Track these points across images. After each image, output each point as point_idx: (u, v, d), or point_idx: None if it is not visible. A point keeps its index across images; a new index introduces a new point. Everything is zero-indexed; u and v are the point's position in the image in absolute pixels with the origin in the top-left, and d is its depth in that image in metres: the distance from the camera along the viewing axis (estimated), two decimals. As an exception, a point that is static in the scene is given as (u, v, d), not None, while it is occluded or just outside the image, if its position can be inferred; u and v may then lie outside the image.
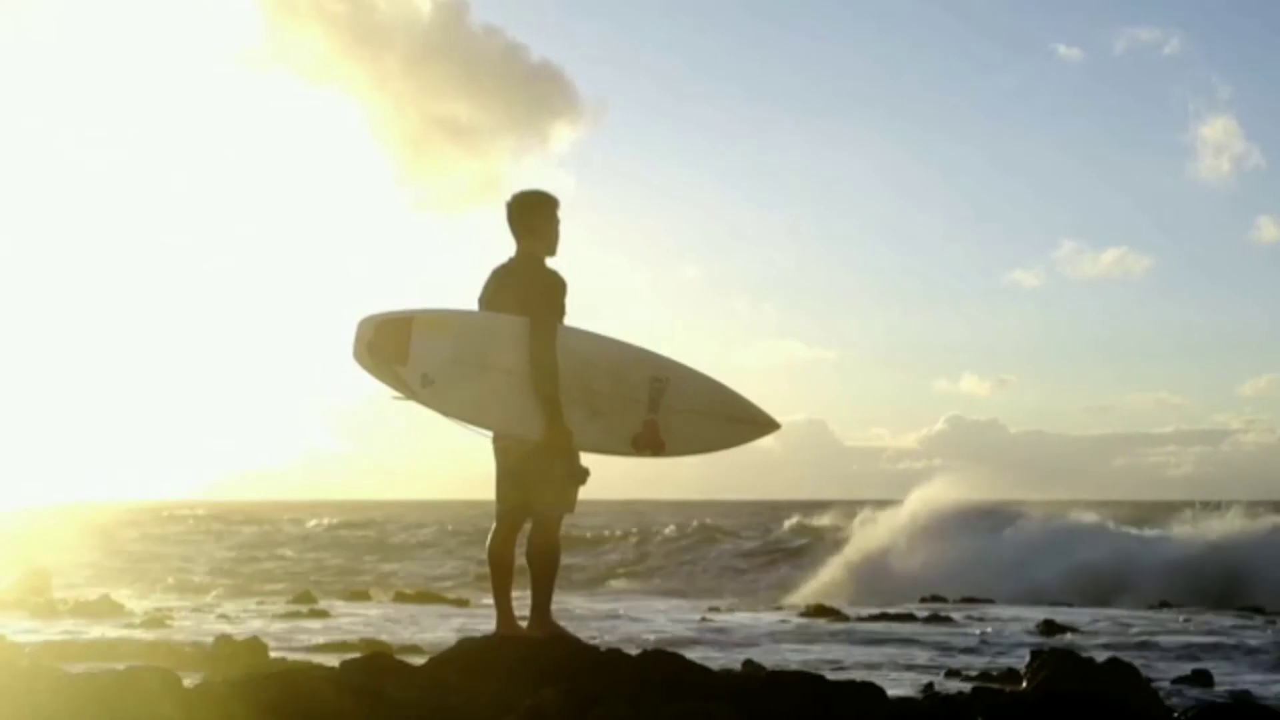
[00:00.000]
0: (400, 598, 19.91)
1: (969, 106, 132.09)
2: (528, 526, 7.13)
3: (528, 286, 7.06)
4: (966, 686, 8.84)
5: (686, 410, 7.05)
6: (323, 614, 16.97)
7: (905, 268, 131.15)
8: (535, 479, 6.97)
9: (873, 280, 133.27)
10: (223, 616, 16.57)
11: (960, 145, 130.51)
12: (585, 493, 7.06)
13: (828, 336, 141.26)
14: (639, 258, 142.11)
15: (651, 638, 14.04)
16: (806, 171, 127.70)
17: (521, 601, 7.09)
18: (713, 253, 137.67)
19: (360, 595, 20.59)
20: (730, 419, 7.15)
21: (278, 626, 15.02)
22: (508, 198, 7.27)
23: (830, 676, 9.24)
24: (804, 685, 6.96)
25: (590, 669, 6.41)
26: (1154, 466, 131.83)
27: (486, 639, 6.97)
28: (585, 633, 14.41)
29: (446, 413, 7.05)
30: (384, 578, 26.57)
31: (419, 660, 7.42)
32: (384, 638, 13.06)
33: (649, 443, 7.05)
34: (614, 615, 17.38)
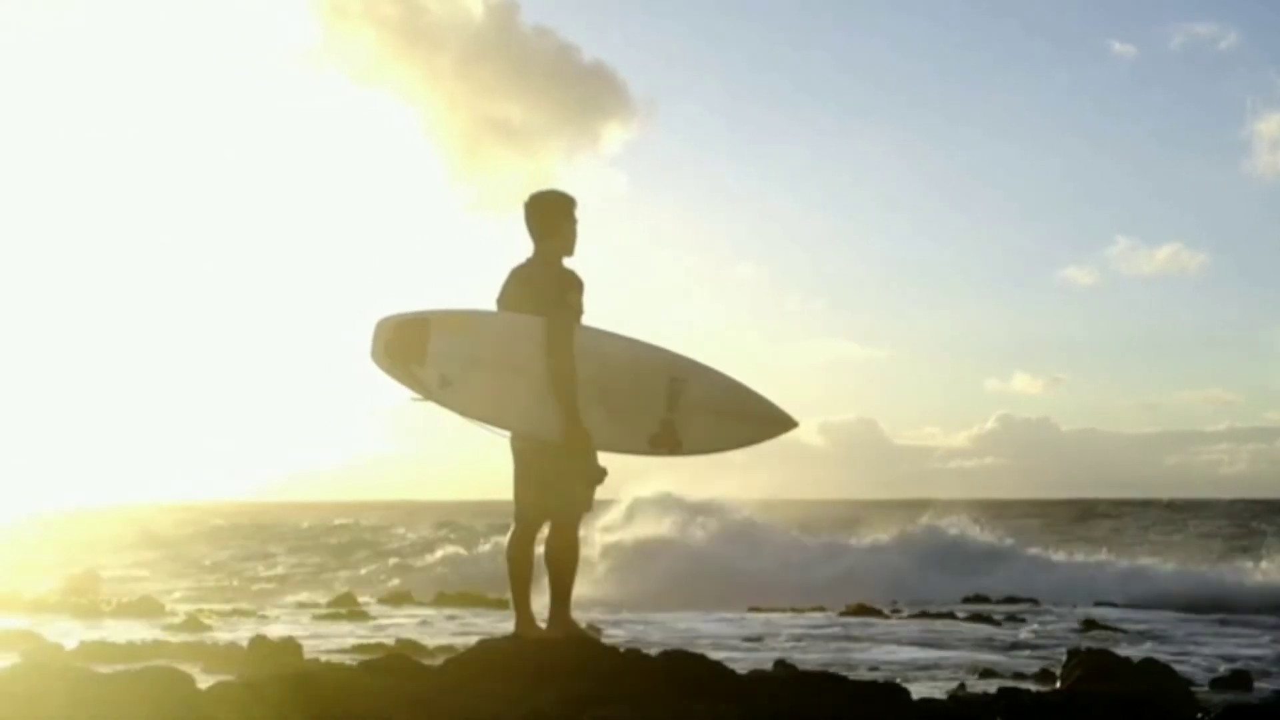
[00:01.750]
0: (442, 599, 19.94)
1: (1023, 104, 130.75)
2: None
3: (545, 286, 7.02)
4: (999, 686, 8.74)
5: (704, 409, 7.00)
6: (363, 615, 17.05)
7: (957, 266, 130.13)
8: (553, 479, 6.94)
9: (924, 278, 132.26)
10: (263, 617, 16.68)
11: (1014, 142, 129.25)
12: (603, 491, 7.04)
13: (879, 335, 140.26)
14: (691, 257, 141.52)
15: (688, 639, 14.01)
16: (858, 170, 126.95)
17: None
18: (764, 252, 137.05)
19: (402, 596, 20.65)
20: (748, 418, 7.09)
21: (316, 628, 15.10)
22: (525, 198, 7.26)
23: (864, 677, 9.21)
24: (826, 686, 6.91)
25: (608, 670, 6.38)
26: (1207, 464, 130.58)
27: (505, 640, 6.94)
28: (624, 634, 14.43)
29: (465, 413, 7.03)
30: (429, 578, 26.59)
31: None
32: (420, 639, 13.07)
33: (666, 442, 7.00)
34: (654, 619, 17.35)
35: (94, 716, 5.52)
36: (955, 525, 26.62)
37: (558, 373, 6.84)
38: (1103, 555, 25.92)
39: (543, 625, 7.06)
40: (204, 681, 6.62)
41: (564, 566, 6.95)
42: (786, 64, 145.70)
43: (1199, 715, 6.96)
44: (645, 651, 7.53)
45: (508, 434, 7.11)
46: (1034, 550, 26.33)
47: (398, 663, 6.53)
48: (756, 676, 7.03)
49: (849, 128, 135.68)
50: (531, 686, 5.90)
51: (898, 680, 9.71)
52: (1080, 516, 59.76)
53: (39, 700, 5.71)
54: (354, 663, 7.51)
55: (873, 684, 7.15)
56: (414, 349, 6.93)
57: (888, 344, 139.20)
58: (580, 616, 15.60)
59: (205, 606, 17.86)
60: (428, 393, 6.98)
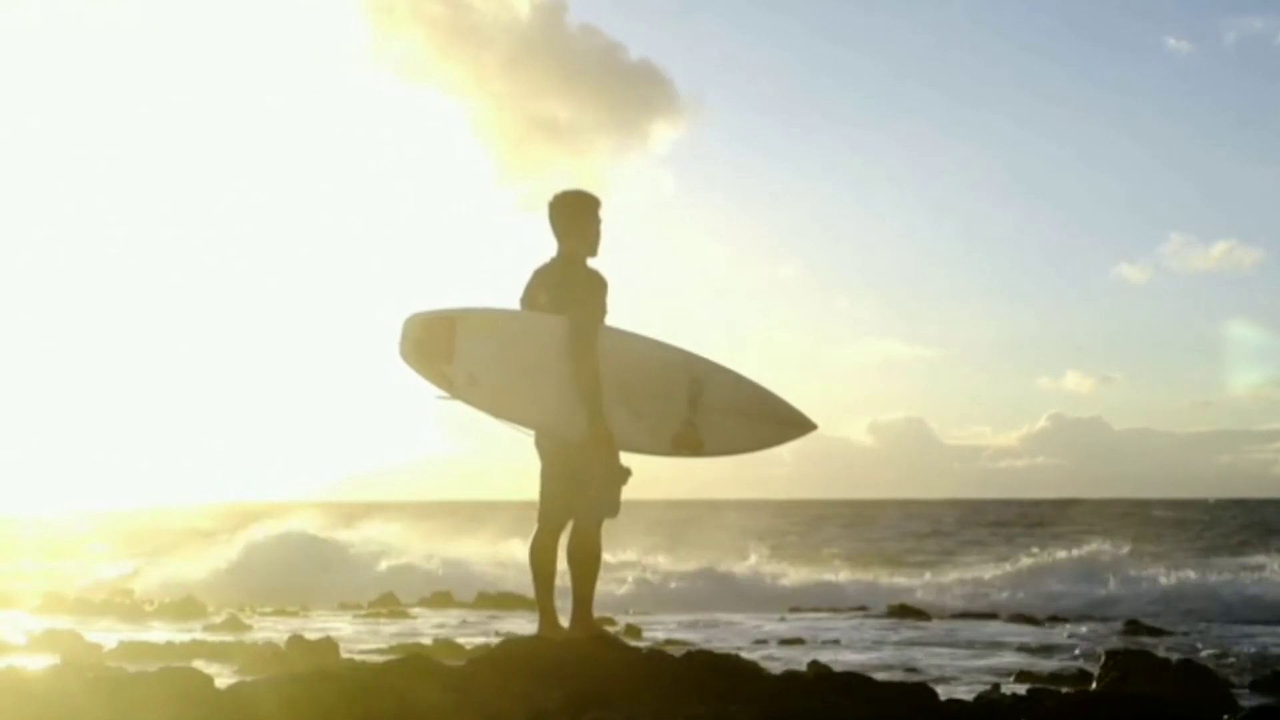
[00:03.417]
0: (483, 600, 19.96)
1: (1076, 101, 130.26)
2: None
3: (569, 286, 7.04)
4: (1030, 688, 8.64)
5: (725, 411, 7.03)
6: (403, 615, 17.11)
7: (1008, 263, 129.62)
8: (578, 479, 6.95)
9: (975, 277, 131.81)
10: (303, 617, 16.75)
11: (1067, 139, 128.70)
12: (632, 492, 7.03)
13: (928, 334, 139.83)
14: (739, 255, 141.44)
15: (722, 640, 13.96)
16: (907, 168, 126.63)
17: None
18: (813, 251, 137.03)
19: (444, 597, 20.66)
20: (768, 420, 7.12)
21: (356, 628, 15.14)
22: (549, 197, 7.26)
23: (900, 678, 9.14)
24: (851, 686, 6.87)
25: (626, 670, 6.37)
26: (1260, 463, 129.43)
27: (527, 640, 6.96)
28: (661, 635, 14.40)
29: (491, 412, 7.06)
30: (471, 579, 26.67)
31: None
32: (457, 639, 13.08)
33: (688, 443, 7.02)
34: (695, 622, 17.32)
35: (111, 717, 5.56)
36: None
37: (582, 373, 6.86)
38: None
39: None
40: (235, 682, 6.65)
41: (586, 567, 6.96)
42: (834, 62, 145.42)
43: (1225, 717, 6.85)
44: (669, 652, 7.53)
45: (533, 433, 7.12)
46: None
47: (418, 662, 6.55)
48: (780, 677, 6.99)
49: (898, 126, 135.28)
50: (545, 686, 5.90)
51: (933, 682, 9.65)
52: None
53: (56, 700, 5.75)
54: (382, 662, 7.51)
55: (899, 685, 7.11)
56: (441, 347, 6.96)
57: (937, 343, 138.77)
58: (619, 618, 15.67)
59: (247, 606, 17.93)
60: (455, 391, 7.00)
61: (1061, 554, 24.52)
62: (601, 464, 6.90)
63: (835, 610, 19.07)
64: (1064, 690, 7.84)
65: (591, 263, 7.18)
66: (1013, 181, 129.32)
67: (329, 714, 5.56)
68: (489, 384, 6.96)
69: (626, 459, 6.96)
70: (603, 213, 7.23)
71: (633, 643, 9.49)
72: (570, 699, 5.54)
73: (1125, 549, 26.08)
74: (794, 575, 24.48)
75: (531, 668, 6.33)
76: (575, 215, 7.18)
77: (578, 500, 6.97)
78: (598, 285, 7.09)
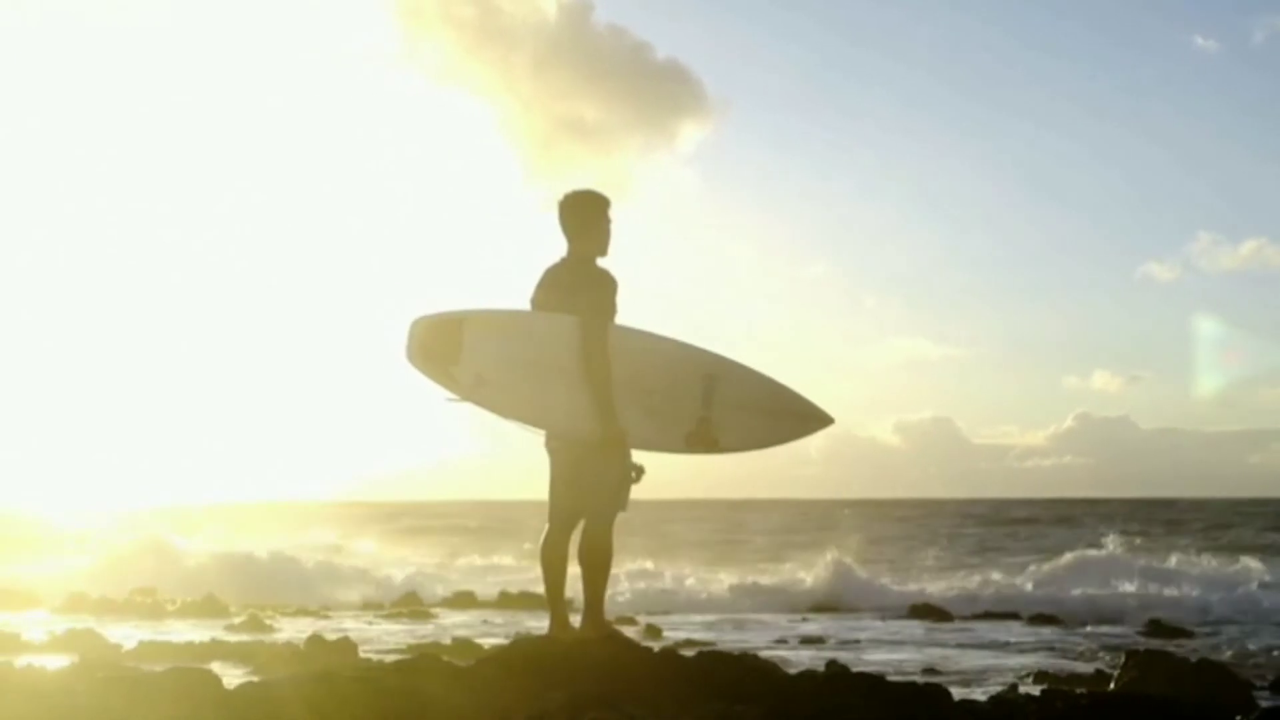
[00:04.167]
0: (504, 600, 20.01)
1: (1104, 99, 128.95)
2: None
3: (579, 286, 7.01)
4: (1044, 689, 8.60)
5: (740, 407, 6.96)
6: (424, 615, 17.16)
7: (1035, 263, 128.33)
8: (589, 479, 6.91)
9: (1002, 276, 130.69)
10: (325, 618, 16.79)
11: (1094, 138, 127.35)
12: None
13: (955, 333, 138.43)
14: (765, 255, 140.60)
15: (740, 641, 13.96)
16: (934, 167, 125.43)
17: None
18: (840, 251, 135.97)
19: (465, 597, 20.73)
20: (783, 415, 7.05)
21: (377, 629, 15.19)
22: (559, 197, 7.24)
23: (918, 678, 9.10)
24: (864, 686, 6.82)
25: (635, 670, 6.34)
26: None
27: (538, 639, 6.95)
28: (681, 634, 14.40)
29: (501, 413, 7.02)
30: (494, 579, 26.72)
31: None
32: (476, 638, 13.10)
33: (703, 440, 6.97)
34: (718, 622, 17.31)
35: (119, 717, 5.58)
36: None
37: (593, 372, 6.83)
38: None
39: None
40: (243, 682, 6.66)
41: (597, 566, 6.92)
42: (861, 63, 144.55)
43: (1237, 718, 6.80)
44: (685, 652, 7.51)
45: (543, 433, 7.10)
46: None
47: (426, 662, 6.53)
48: (792, 677, 6.95)
49: (924, 125, 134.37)
50: (553, 686, 5.89)
51: (952, 682, 9.63)
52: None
53: (64, 699, 5.77)
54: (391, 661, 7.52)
55: (911, 685, 7.05)
56: (448, 349, 6.93)
57: (964, 342, 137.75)
58: (640, 618, 15.65)
59: (269, 606, 17.99)
60: (464, 393, 6.98)
61: (1087, 554, 24.39)
62: (615, 464, 6.88)
63: (858, 610, 19.04)
64: (1079, 691, 7.78)
65: (601, 262, 7.16)
66: (1040, 181, 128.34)
67: (335, 712, 5.57)
68: (497, 384, 6.92)
69: (640, 457, 6.93)
70: (612, 212, 7.19)
71: (648, 642, 9.49)
72: (572, 699, 5.53)
73: (1151, 549, 25.96)
74: (818, 575, 24.41)
75: (540, 667, 6.30)
76: (585, 215, 7.15)
77: (588, 500, 6.95)
78: (608, 284, 7.05)
